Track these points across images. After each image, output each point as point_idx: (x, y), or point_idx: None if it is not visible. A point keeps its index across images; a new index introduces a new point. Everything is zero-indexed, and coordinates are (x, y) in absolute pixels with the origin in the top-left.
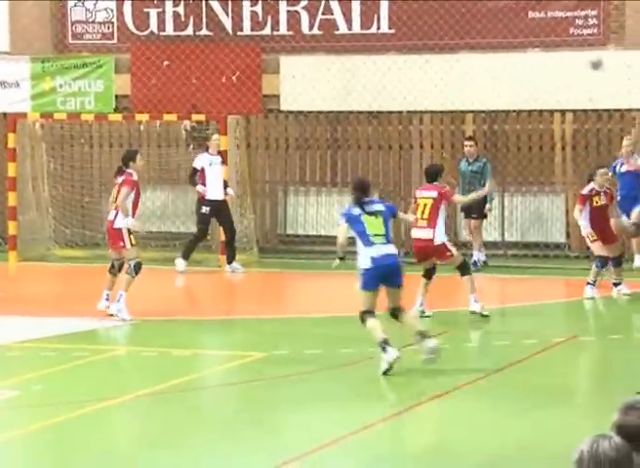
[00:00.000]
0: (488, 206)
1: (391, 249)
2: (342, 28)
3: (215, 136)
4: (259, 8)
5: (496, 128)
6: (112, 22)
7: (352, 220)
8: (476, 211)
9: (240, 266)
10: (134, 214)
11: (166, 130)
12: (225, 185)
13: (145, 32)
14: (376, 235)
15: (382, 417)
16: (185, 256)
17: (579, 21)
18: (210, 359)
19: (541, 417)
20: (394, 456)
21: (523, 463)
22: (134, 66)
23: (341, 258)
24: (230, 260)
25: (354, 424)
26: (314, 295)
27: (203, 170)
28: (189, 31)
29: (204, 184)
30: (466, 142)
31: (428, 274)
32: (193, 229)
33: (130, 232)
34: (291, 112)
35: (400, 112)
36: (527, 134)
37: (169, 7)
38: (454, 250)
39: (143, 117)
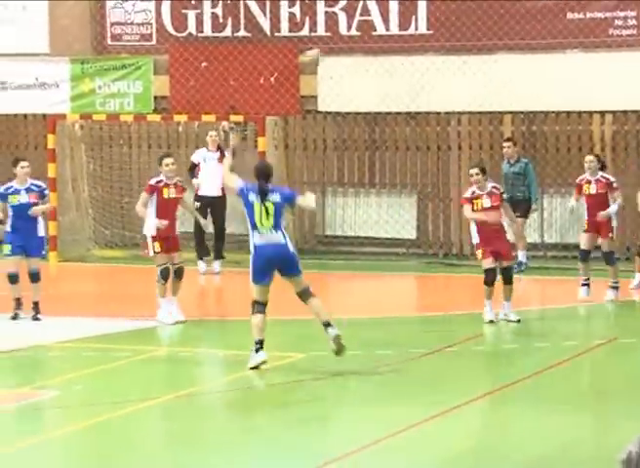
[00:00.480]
0: (534, 206)
1: (279, 237)
2: (380, 29)
3: (211, 133)
4: (296, 9)
5: (534, 129)
6: (151, 24)
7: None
8: (521, 211)
9: (205, 267)
10: (162, 216)
11: (204, 131)
12: None
13: (184, 33)
14: (262, 225)
15: (424, 418)
16: (200, 256)
17: (618, 22)
18: (247, 360)
19: (584, 419)
20: (436, 458)
21: (566, 465)
22: (172, 68)
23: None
24: (216, 257)
25: (396, 425)
26: (353, 297)
27: (199, 165)
28: (227, 32)
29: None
30: (505, 143)
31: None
32: (235, 230)
33: (155, 239)
34: (329, 113)
35: (438, 113)
36: (566, 135)
37: (207, 8)
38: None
39: (182, 118)
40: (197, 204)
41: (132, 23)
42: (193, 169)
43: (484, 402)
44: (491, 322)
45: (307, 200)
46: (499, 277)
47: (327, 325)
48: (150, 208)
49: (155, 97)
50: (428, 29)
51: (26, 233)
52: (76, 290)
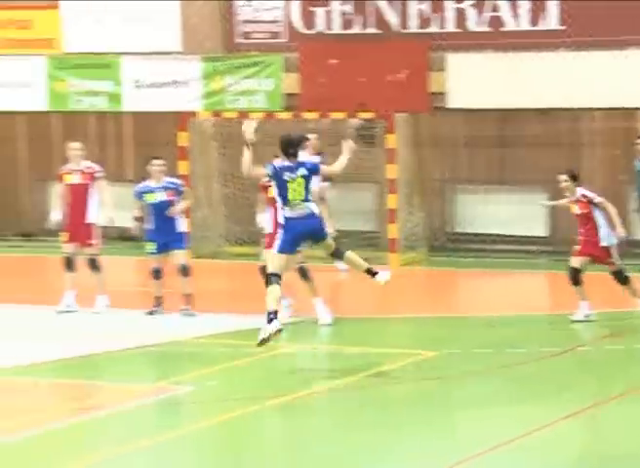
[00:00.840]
0: None
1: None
2: (510, 25)
3: (312, 136)
4: (426, 5)
5: None
6: (280, 22)
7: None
8: None
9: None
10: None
11: (334, 128)
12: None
13: (313, 31)
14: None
15: (557, 418)
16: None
17: None
18: (380, 357)
19: None
20: (569, 458)
21: None
22: (302, 65)
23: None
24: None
25: (527, 425)
26: (484, 294)
27: None
28: (357, 29)
29: None
30: (638, 140)
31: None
32: (362, 227)
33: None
34: (458, 110)
35: (569, 109)
36: None
37: (336, 6)
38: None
39: (312, 115)
40: None
41: (262, 21)
42: None
43: (618, 401)
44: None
45: (347, 146)
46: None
47: (370, 272)
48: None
49: (285, 95)
50: (560, 25)
51: (166, 230)
52: (209, 286)
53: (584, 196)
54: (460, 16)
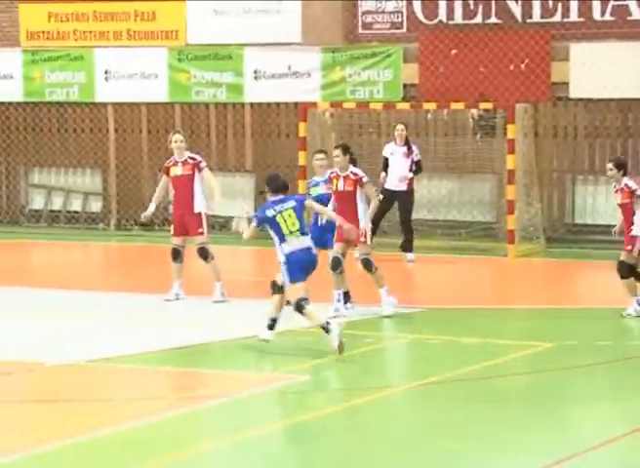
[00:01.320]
0: None
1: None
2: (636, 14)
3: (399, 126)
4: None
5: None
6: (402, 12)
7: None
8: None
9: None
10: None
11: (453, 118)
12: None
13: (434, 21)
14: (291, 232)
15: None
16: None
17: None
18: (497, 348)
19: None
20: None
21: None
22: (422, 55)
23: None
24: (407, 249)
25: None
26: (603, 286)
27: (387, 159)
28: (478, 19)
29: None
30: None
31: None
32: (480, 218)
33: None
34: (580, 100)
35: None
36: None
37: None
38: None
39: (431, 106)
40: (381, 196)
41: (383, 12)
42: (386, 163)
43: None
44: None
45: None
46: None
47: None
48: None
49: (404, 85)
50: None
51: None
52: (325, 275)
53: (627, 186)
54: (585, 5)
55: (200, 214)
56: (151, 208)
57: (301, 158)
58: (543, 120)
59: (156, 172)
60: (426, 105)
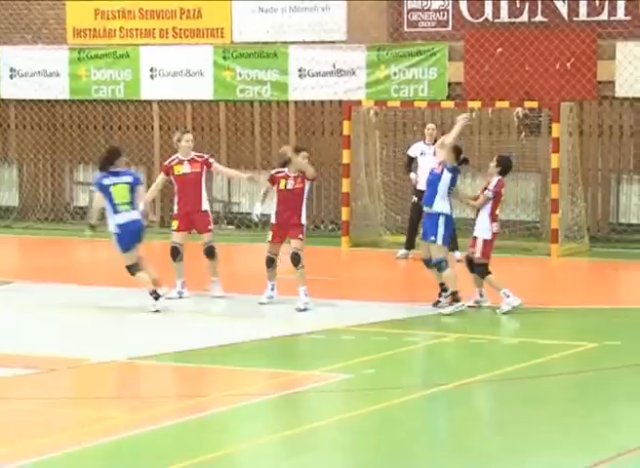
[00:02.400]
0: None
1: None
2: None
3: (429, 125)
4: None
5: None
6: (447, 10)
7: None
8: None
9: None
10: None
11: (498, 117)
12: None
13: (480, 19)
14: (122, 203)
15: None
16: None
17: None
18: (539, 348)
19: None
20: None
21: None
22: (467, 54)
23: (92, 227)
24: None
25: None
26: None
27: (415, 158)
28: (524, 18)
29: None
30: None
31: None
32: (523, 217)
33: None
34: (626, 99)
35: None
36: None
37: None
38: None
39: (476, 104)
40: (415, 198)
41: (429, 10)
42: (410, 162)
43: None
44: None
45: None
46: None
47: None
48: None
49: (449, 84)
50: None
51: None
52: (369, 274)
53: None
54: (632, 3)
55: (207, 211)
56: (141, 207)
57: (345, 156)
58: (589, 119)
59: None
60: (471, 104)
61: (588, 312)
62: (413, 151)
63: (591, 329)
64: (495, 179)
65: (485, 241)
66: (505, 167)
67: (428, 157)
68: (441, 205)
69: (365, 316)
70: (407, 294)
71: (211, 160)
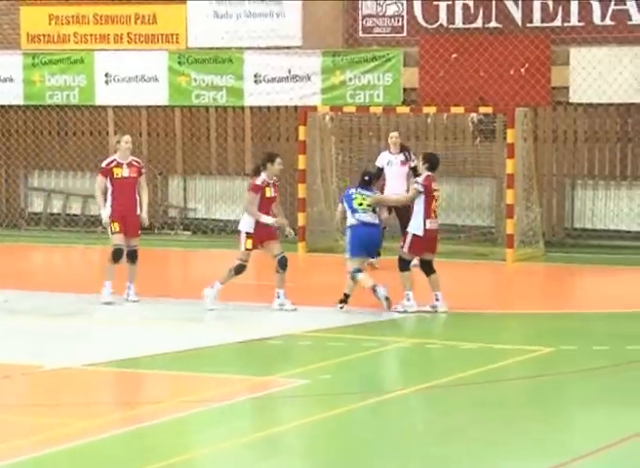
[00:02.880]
0: None
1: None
2: (636, 18)
3: (393, 134)
4: None
5: None
6: (402, 16)
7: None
8: None
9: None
10: (265, 213)
11: (453, 122)
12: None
13: (435, 25)
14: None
15: None
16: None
17: None
18: (495, 352)
19: None
20: None
21: None
22: (422, 59)
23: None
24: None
25: None
26: (600, 291)
27: (383, 168)
28: (478, 24)
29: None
30: None
31: None
32: (479, 222)
33: (249, 236)
34: (580, 104)
35: None
36: None
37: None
38: None
39: (431, 110)
40: (386, 214)
41: (383, 16)
42: (379, 174)
43: None
44: None
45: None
46: None
47: None
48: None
49: (404, 89)
50: None
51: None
52: (324, 280)
53: None
54: (585, 9)
55: (139, 216)
56: (106, 212)
57: (301, 162)
58: (543, 124)
59: (156, 175)
60: (426, 109)
61: (544, 317)
62: (380, 162)
63: (547, 333)
64: (424, 175)
65: (414, 236)
66: (432, 163)
67: (395, 167)
68: (349, 220)
69: (322, 321)
70: (363, 300)
71: (143, 170)
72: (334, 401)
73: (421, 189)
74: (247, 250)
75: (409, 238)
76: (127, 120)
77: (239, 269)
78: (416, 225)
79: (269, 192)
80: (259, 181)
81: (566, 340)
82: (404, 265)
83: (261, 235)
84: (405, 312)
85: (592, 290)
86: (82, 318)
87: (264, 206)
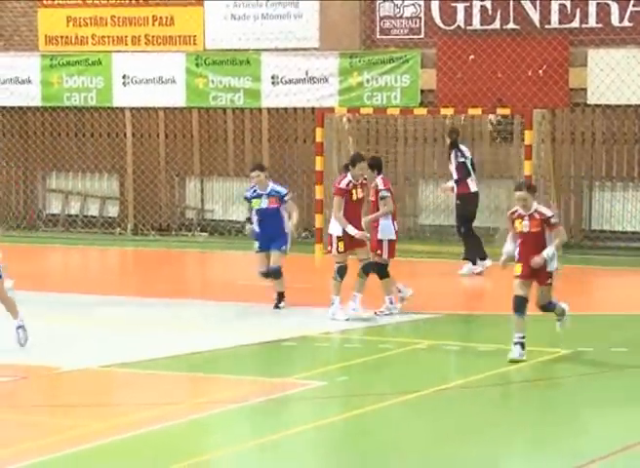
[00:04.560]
0: None
1: None
2: None
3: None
4: (567, 0)
5: None
6: (420, 17)
7: None
8: None
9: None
10: (350, 217)
11: (471, 124)
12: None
13: (452, 27)
14: None
15: None
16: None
17: None
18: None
19: None
20: None
21: None
22: (440, 61)
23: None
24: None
25: None
26: (618, 293)
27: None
28: (496, 25)
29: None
30: None
31: None
32: (497, 224)
33: (340, 239)
34: (598, 106)
35: None
36: None
37: (476, 1)
38: None
39: (448, 111)
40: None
41: (401, 17)
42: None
43: None
44: None
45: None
46: None
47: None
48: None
49: (422, 91)
50: None
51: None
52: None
53: None
54: (603, 11)
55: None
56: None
57: (318, 163)
58: (561, 126)
59: (173, 176)
60: (444, 111)
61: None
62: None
63: (565, 335)
64: (379, 180)
65: (390, 241)
66: (377, 165)
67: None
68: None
69: (339, 323)
70: (381, 301)
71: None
72: (351, 402)
73: (388, 194)
74: (339, 253)
75: (385, 244)
76: (144, 122)
77: (340, 271)
78: (387, 231)
79: (355, 194)
80: (343, 184)
81: (584, 342)
82: (383, 271)
83: (351, 239)
84: (391, 314)
85: (610, 291)
86: (99, 319)
87: (351, 209)
